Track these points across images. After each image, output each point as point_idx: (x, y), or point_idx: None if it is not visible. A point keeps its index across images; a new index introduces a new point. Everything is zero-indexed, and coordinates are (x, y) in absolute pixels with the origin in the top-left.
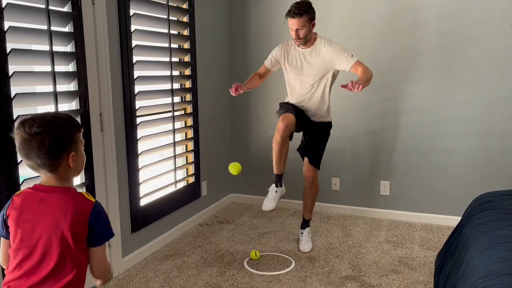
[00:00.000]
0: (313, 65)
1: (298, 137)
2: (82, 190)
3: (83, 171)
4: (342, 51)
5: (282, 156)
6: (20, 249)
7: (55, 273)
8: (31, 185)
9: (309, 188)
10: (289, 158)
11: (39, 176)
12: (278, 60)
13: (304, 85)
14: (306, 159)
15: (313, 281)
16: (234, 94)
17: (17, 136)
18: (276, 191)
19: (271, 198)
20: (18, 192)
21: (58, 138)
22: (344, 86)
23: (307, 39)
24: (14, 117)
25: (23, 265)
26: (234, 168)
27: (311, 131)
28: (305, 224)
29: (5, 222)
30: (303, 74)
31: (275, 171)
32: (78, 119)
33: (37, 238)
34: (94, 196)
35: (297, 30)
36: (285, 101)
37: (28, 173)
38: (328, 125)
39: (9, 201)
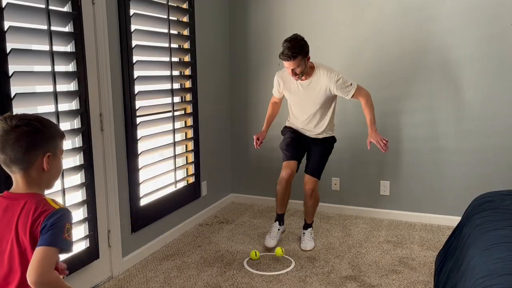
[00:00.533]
0: (313, 94)
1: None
2: (52, 197)
3: (83, 173)
4: (342, 82)
5: (285, 198)
6: None
7: (22, 286)
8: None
9: (308, 199)
10: None
11: None
12: (280, 89)
13: (306, 112)
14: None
15: (313, 281)
16: (258, 147)
17: None
18: (279, 229)
19: (274, 236)
20: None
21: (36, 132)
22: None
23: (304, 73)
24: None
25: None
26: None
27: (313, 145)
28: (307, 225)
29: None
30: (303, 103)
31: (278, 211)
32: (78, 119)
33: (3, 248)
34: (94, 197)
35: (293, 69)
36: (287, 124)
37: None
38: (332, 139)
39: None
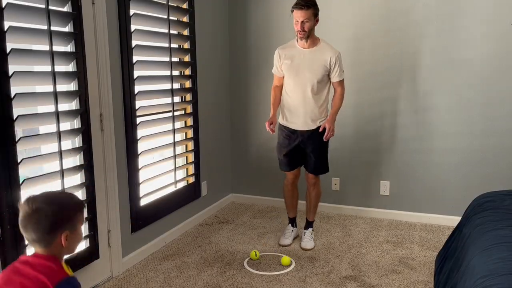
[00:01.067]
0: (313, 63)
1: None
2: (64, 264)
3: (83, 173)
4: (340, 62)
5: (294, 201)
6: None
7: None
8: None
9: (311, 189)
10: None
11: (40, 175)
12: (280, 63)
13: (302, 84)
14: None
15: (313, 281)
16: (273, 132)
17: (21, 210)
18: (292, 230)
19: (288, 235)
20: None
21: (55, 216)
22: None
23: (310, 34)
24: (14, 117)
25: None
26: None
27: (308, 144)
28: (308, 225)
29: None
30: (300, 71)
31: (289, 215)
32: (78, 119)
33: None
34: (94, 197)
35: (302, 22)
36: (282, 122)
37: (28, 173)
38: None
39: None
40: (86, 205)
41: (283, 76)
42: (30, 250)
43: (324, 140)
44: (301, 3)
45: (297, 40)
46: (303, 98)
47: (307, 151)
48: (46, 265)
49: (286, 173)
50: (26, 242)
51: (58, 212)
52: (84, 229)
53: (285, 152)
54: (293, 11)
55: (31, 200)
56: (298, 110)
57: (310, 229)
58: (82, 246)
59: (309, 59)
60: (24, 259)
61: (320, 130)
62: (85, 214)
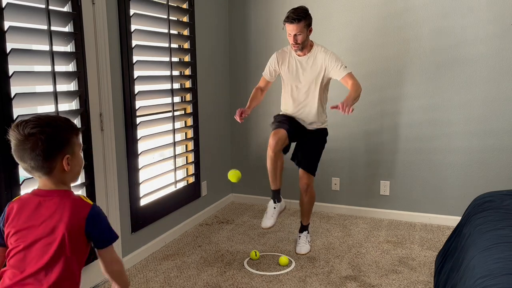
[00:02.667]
0: (309, 72)
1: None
2: (80, 193)
3: (83, 173)
4: (336, 60)
5: (277, 171)
6: (15, 253)
7: (45, 271)
8: (29, 191)
9: (304, 195)
10: (289, 157)
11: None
12: (275, 68)
13: (300, 92)
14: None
15: (313, 281)
16: (240, 121)
17: (12, 138)
18: (275, 207)
19: (270, 215)
20: (16, 198)
21: (51, 139)
22: (335, 107)
23: (304, 45)
24: (14, 117)
25: (17, 265)
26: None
27: (306, 137)
28: (302, 228)
29: (1, 230)
30: (299, 80)
31: (272, 187)
32: (78, 119)
33: (33, 240)
34: (94, 197)
35: (295, 35)
36: (280, 113)
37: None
38: (324, 131)
39: (6, 207)
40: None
41: (270, 82)
42: None
43: (343, 111)
44: (292, 16)
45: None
46: (300, 105)
47: (305, 137)
48: (64, 204)
49: (271, 135)
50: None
51: (54, 135)
52: None
53: (285, 116)
54: (285, 23)
55: (21, 125)
56: (296, 115)
57: (305, 232)
58: None
59: (305, 67)
60: (38, 202)
61: (331, 107)
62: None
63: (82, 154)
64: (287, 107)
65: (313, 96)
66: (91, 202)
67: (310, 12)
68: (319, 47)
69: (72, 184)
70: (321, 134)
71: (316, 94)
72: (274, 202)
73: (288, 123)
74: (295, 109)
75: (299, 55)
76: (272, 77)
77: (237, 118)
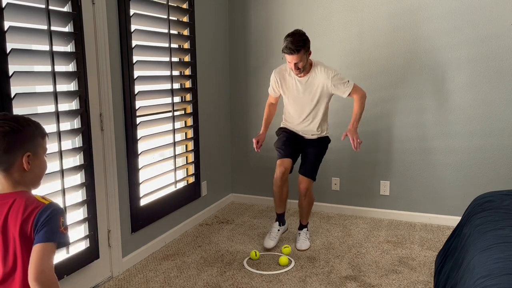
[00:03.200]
0: (309, 91)
1: None
2: (39, 194)
3: (83, 173)
4: (337, 80)
5: (283, 197)
6: None
7: (8, 278)
8: None
9: (302, 199)
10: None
11: None
12: (276, 87)
13: (302, 110)
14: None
15: (313, 281)
16: (259, 150)
17: None
18: (279, 230)
19: (273, 236)
20: None
21: (14, 133)
22: (344, 136)
23: (305, 69)
24: None
25: None
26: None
27: (307, 146)
28: (302, 226)
29: None
30: (300, 100)
31: (277, 211)
32: (78, 119)
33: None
34: (94, 197)
35: (295, 63)
36: (282, 125)
37: None
38: (325, 139)
39: None
40: (86, 203)
41: (279, 95)
42: None
43: (355, 150)
44: (290, 47)
45: None
46: (301, 120)
47: (306, 148)
48: (17, 205)
49: (277, 165)
50: None
51: (16, 129)
52: (84, 229)
53: (284, 138)
54: (284, 53)
55: None
56: (297, 127)
57: (305, 229)
58: (82, 246)
59: (305, 87)
60: None
61: (342, 139)
62: (48, 146)
63: (46, 159)
64: (289, 119)
65: (315, 112)
66: (47, 201)
67: (308, 10)
68: (318, 67)
69: (33, 189)
70: (322, 141)
71: (318, 110)
72: (279, 225)
73: (290, 146)
74: (298, 122)
75: (299, 76)
76: (277, 93)
77: (256, 149)
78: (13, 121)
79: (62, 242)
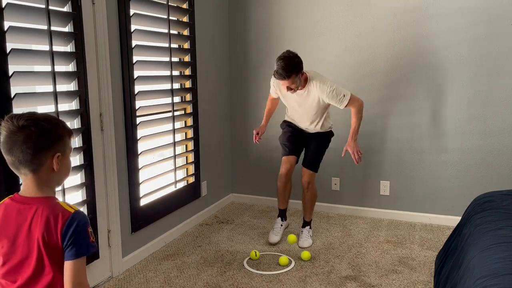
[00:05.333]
0: (307, 103)
1: None
2: (64, 201)
3: (83, 173)
4: (333, 96)
5: (286, 193)
6: (4, 263)
7: (31, 282)
8: (12, 194)
9: (306, 191)
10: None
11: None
12: (276, 92)
13: (301, 115)
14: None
15: (313, 281)
16: (257, 142)
17: (3, 129)
18: (281, 225)
19: (277, 231)
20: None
21: (45, 133)
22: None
23: (299, 86)
24: None
25: (7, 277)
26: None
27: (309, 140)
28: (305, 224)
29: None
30: (299, 108)
31: (280, 207)
32: (78, 119)
33: (17, 251)
34: (94, 197)
35: (287, 86)
36: (286, 119)
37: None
38: (328, 133)
39: None
40: (86, 203)
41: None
42: None
43: (356, 163)
44: (281, 73)
45: None
46: (302, 122)
47: (308, 142)
48: (43, 213)
49: (283, 161)
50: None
51: (48, 130)
52: None
53: (288, 134)
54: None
55: (15, 117)
56: (299, 124)
57: (308, 227)
58: None
59: (302, 99)
60: (18, 209)
61: (343, 155)
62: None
63: (71, 159)
64: (291, 118)
65: (316, 116)
66: (72, 210)
67: (308, 11)
68: (313, 82)
69: (56, 189)
70: (326, 135)
71: (318, 115)
72: (282, 220)
73: (295, 141)
74: (299, 122)
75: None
76: (277, 95)
77: (256, 140)
78: (42, 121)
79: (93, 252)
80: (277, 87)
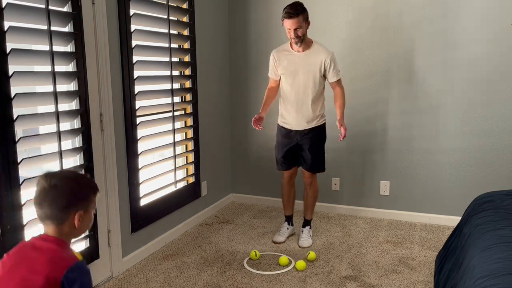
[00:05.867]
0: (307, 67)
1: None
2: (75, 250)
3: (82, 173)
4: (334, 63)
5: (290, 198)
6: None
7: None
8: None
9: (308, 189)
10: None
11: (39, 175)
12: (275, 67)
13: (298, 87)
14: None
15: (313, 281)
16: (259, 128)
17: (38, 185)
18: (288, 228)
19: (283, 233)
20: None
21: (72, 194)
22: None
23: (304, 38)
24: (14, 117)
25: None
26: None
27: (305, 143)
28: (305, 223)
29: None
30: (297, 74)
31: (285, 213)
32: (78, 119)
33: (16, 280)
34: None
35: (295, 30)
36: (279, 123)
37: (28, 173)
38: (321, 128)
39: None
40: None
41: (279, 79)
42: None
43: (340, 141)
44: (290, 11)
45: (291, 44)
46: (299, 101)
47: (304, 148)
48: (55, 249)
49: (283, 175)
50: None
51: (75, 190)
52: None
53: (283, 153)
54: (283, 20)
55: (49, 176)
56: (294, 112)
57: (308, 227)
58: (82, 246)
59: (304, 62)
60: (32, 242)
61: (340, 140)
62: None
63: (93, 214)
64: (287, 108)
65: (314, 89)
66: (78, 257)
67: (308, 11)
68: (319, 45)
69: (73, 240)
70: (319, 131)
71: (316, 87)
72: (288, 224)
73: (290, 157)
74: (295, 105)
75: (298, 51)
76: (277, 75)
77: (257, 127)
78: (73, 181)
79: None
80: (278, 56)
